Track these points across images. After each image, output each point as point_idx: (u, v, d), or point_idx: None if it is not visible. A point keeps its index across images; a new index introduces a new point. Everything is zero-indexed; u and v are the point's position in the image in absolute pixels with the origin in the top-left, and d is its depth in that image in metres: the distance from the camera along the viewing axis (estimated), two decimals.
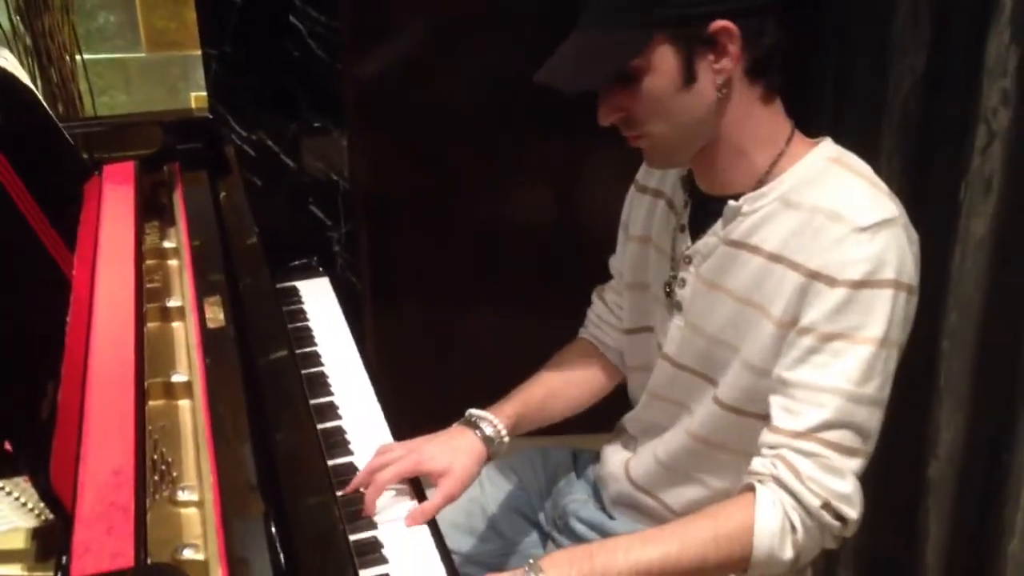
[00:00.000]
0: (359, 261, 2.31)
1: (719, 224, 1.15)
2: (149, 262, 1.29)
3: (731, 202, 1.13)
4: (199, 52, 2.12)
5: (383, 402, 1.37)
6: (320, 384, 1.38)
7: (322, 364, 1.43)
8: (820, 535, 1.07)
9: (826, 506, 1.05)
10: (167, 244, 1.34)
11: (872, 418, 1.07)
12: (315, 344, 1.49)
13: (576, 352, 1.43)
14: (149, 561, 0.77)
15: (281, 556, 0.80)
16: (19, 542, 0.85)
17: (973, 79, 1.52)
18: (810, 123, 1.16)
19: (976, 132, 1.52)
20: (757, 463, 1.08)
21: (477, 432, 1.24)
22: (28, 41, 2.13)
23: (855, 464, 1.07)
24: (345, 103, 2.18)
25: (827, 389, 1.05)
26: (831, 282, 1.04)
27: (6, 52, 1.42)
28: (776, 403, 1.08)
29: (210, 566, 0.79)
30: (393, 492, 1.18)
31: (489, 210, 2.47)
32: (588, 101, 1.11)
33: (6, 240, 1.04)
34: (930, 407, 1.68)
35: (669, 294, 1.23)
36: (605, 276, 1.43)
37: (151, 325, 1.15)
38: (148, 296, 1.19)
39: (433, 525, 1.15)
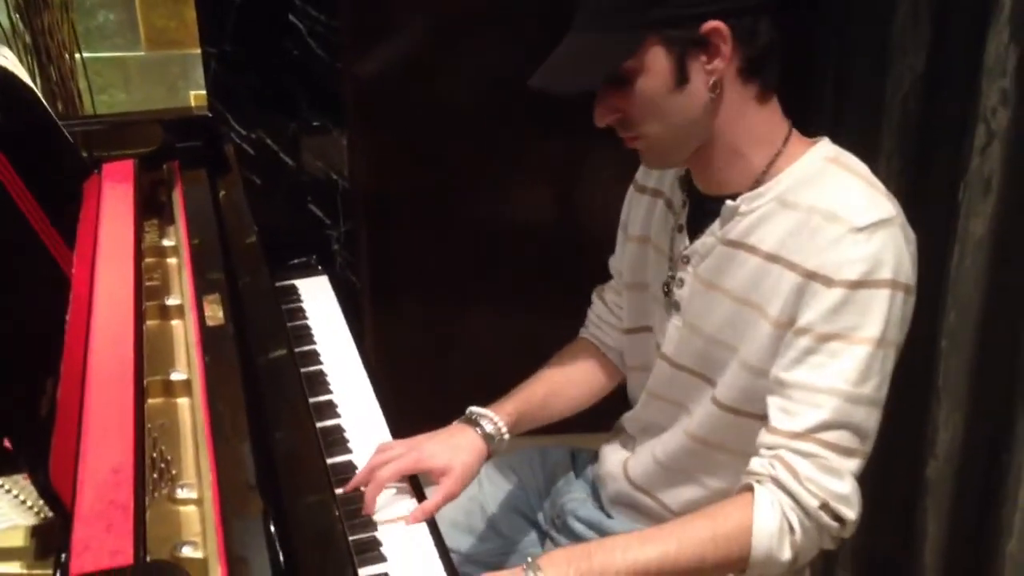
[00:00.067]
0: (358, 260, 2.31)
1: (717, 224, 1.15)
2: (148, 260, 1.29)
3: (728, 202, 1.13)
4: (199, 51, 2.12)
5: (382, 401, 1.37)
6: (319, 382, 1.38)
7: (321, 363, 1.43)
8: (818, 536, 1.07)
9: (824, 507, 1.05)
10: (166, 242, 1.34)
11: (870, 418, 1.07)
12: (314, 343, 1.49)
13: (577, 352, 1.43)
14: (148, 559, 0.77)
15: (280, 554, 0.81)
16: (18, 540, 0.85)
17: (972, 79, 1.52)
18: (810, 123, 1.17)
19: (975, 132, 1.52)
20: (755, 463, 1.08)
21: (478, 430, 1.25)
22: (27, 39, 2.12)
23: (853, 465, 1.07)
24: (344, 102, 2.18)
25: (824, 390, 1.05)
26: (828, 282, 1.05)
27: (6, 50, 1.42)
28: (774, 404, 1.08)
29: (209, 564, 0.79)
30: (392, 491, 1.18)
31: (489, 209, 2.47)
32: (588, 101, 1.12)
33: (6, 238, 1.04)
34: (929, 407, 1.68)
35: (667, 294, 1.23)
36: (605, 276, 1.44)
37: (150, 323, 1.15)
38: (147, 294, 1.19)
39: (432, 524, 1.15)
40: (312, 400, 1.31)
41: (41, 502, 0.84)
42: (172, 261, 1.31)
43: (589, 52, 1.07)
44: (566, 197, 2.52)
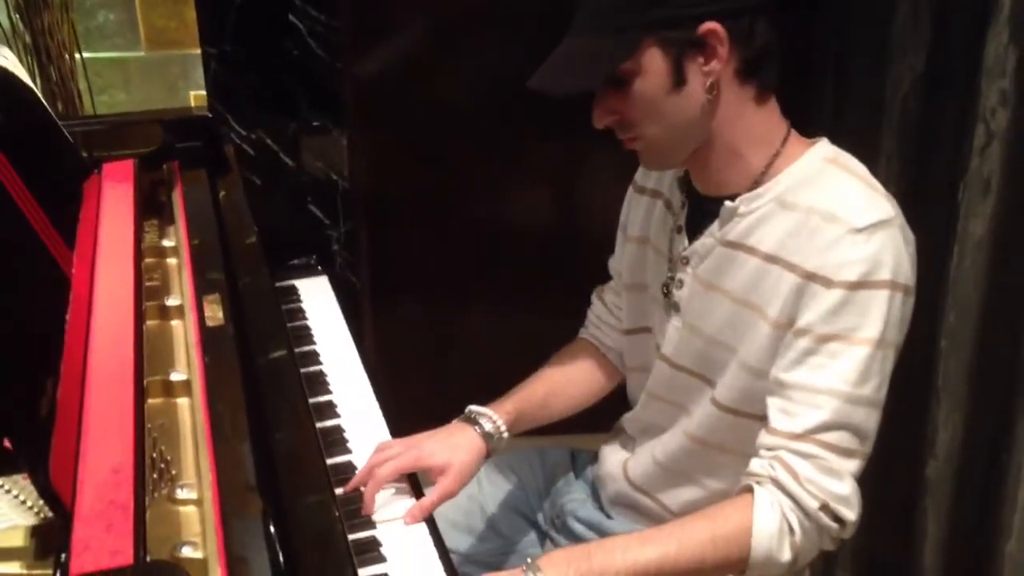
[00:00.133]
0: (358, 260, 2.31)
1: (716, 225, 1.15)
2: (148, 260, 1.29)
3: (727, 203, 1.13)
4: (199, 51, 2.12)
5: (382, 401, 1.37)
6: (319, 383, 1.38)
7: (321, 363, 1.43)
8: (818, 537, 1.07)
9: (824, 508, 1.05)
10: (166, 242, 1.34)
11: (869, 419, 1.07)
12: (314, 343, 1.49)
13: (577, 352, 1.43)
14: (148, 559, 0.77)
15: (280, 554, 0.81)
16: (18, 540, 0.85)
17: (972, 80, 1.52)
18: (810, 123, 1.17)
19: (975, 132, 1.52)
20: (755, 464, 1.08)
21: (477, 428, 1.25)
22: (27, 39, 2.12)
23: (853, 465, 1.07)
24: (344, 102, 2.18)
25: (824, 391, 1.05)
26: (827, 283, 1.05)
27: (6, 50, 1.42)
28: (773, 405, 1.09)
29: (209, 564, 0.79)
30: (392, 491, 1.18)
31: (488, 209, 2.47)
32: (587, 101, 1.12)
33: (6, 238, 1.04)
34: (928, 407, 1.68)
35: (667, 295, 1.23)
36: (604, 276, 1.44)
37: (150, 323, 1.15)
38: (147, 294, 1.19)
39: (432, 524, 1.15)
40: (312, 400, 1.32)
41: (41, 502, 0.84)
42: (172, 261, 1.31)
43: (587, 54, 1.08)
44: (566, 197, 2.52)
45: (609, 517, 1.35)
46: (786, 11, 1.11)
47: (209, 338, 1.07)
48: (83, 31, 2.22)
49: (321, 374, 1.40)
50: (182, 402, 1.02)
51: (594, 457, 1.43)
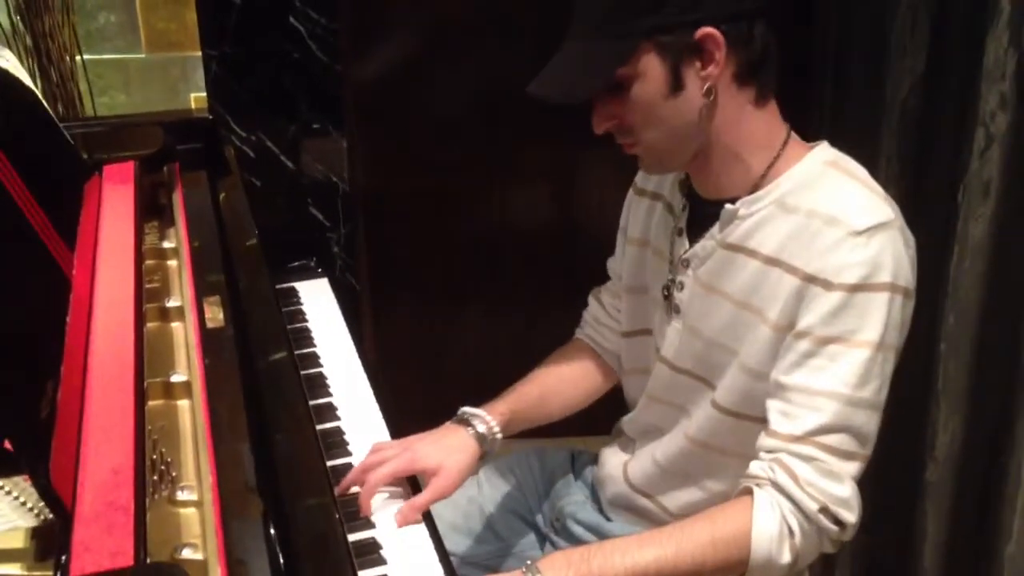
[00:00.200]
0: (358, 262, 2.31)
1: (716, 227, 1.16)
2: (149, 262, 1.29)
3: (728, 205, 1.13)
4: (199, 53, 2.12)
5: (382, 403, 1.37)
6: (319, 385, 1.38)
7: (321, 365, 1.43)
8: (818, 539, 1.07)
9: (824, 510, 1.05)
10: (167, 244, 1.34)
11: (870, 422, 1.07)
12: (314, 345, 1.49)
13: (572, 352, 1.43)
14: (148, 560, 0.77)
15: (280, 556, 0.81)
16: (18, 541, 0.85)
17: (971, 83, 1.52)
18: (810, 124, 1.17)
19: (974, 136, 1.52)
20: (755, 467, 1.08)
21: (470, 430, 1.24)
22: (28, 41, 2.12)
23: (853, 468, 1.07)
24: (344, 105, 2.18)
25: (824, 393, 1.05)
26: (827, 286, 1.05)
27: (7, 52, 1.42)
28: (773, 407, 1.09)
29: (209, 566, 0.79)
30: (392, 492, 1.18)
31: (488, 212, 2.48)
32: (585, 105, 1.12)
33: (6, 239, 1.04)
34: (928, 410, 1.68)
35: (667, 297, 1.23)
36: (602, 278, 1.44)
37: (150, 325, 1.15)
38: (148, 296, 1.19)
39: (431, 526, 1.15)
40: (312, 402, 1.31)
41: (41, 504, 0.84)
42: (172, 263, 1.31)
43: (584, 60, 1.08)
44: (565, 201, 2.52)
45: (608, 519, 1.35)
46: (782, 14, 1.11)
47: (209, 340, 1.07)
48: (84, 33, 2.22)
49: (321, 376, 1.40)
50: (182, 404, 1.02)
51: (594, 459, 1.43)
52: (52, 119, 1.43)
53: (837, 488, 1.05)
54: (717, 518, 1.08)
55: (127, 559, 0.75)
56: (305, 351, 1.47)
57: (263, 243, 1.42)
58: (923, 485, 1.72)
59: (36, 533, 0.85)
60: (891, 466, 1.63)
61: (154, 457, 0.92)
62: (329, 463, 1.20)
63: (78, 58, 2.19)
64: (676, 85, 1.07)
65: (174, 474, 0.91)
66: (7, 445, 0.80)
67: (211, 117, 1.80)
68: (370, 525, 1.13)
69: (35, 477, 0.79)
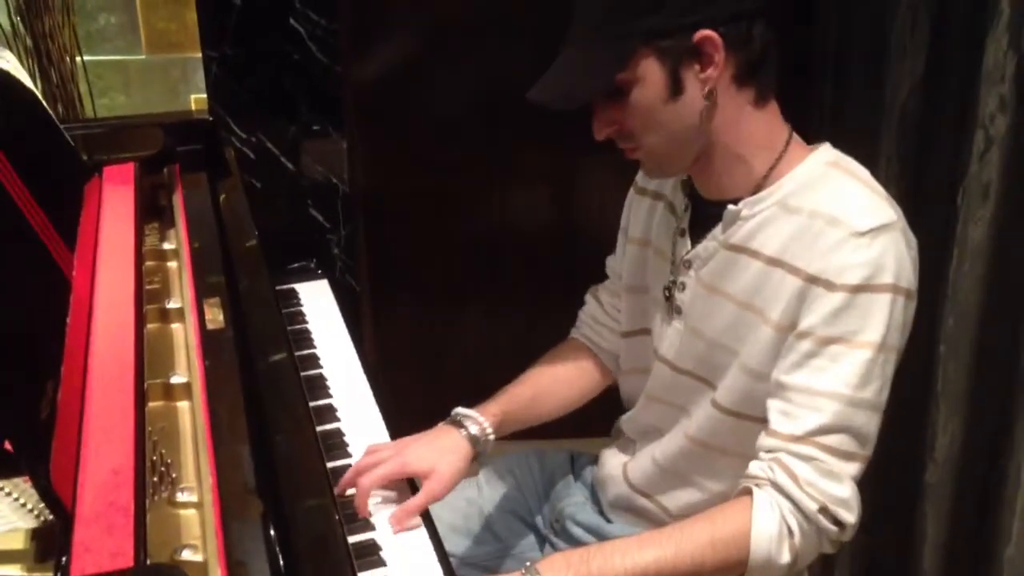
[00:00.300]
0: (358, 264, 2.31)
1: (719, 228, 1.16)
2: (149, 263, 1.29)
3: (730, 206, 1.14)
4: (199, 54, 2.12)
5: (382, 404, 1.37)
6: (319, 386, 1.38)
7: (321, 366, 1.43)
8: (817, 539, 1.07)
9: (823, 510, 1.05)
10: (167, 246, 1.34)
11: (870, 422, 1.07)
12: (314, 346, 1.49)
13: (567, 352, 1.42)
14: (148, 562, 0.77)
15: (280, 558, 0.81)
16: (19, 543, 0.85)
17: (971, 85, 1.52)
18: (809, 126, 1.17)
19: (974, 138, 1.52)
20: (754, 467, 1.09)
21: (462, 431, 1.24)
22: (28, 42, 2.12)
23: (853, 468, 1.07)
24: (345, 106, 2.18)
25: (825, 393, 1.05)
26: (829, 286, 1.05)
27: (7, 53, 1.42)
28: (774, 407, 1.09)
29: (209, 567, 0.79)
30: (392, 494, 1.18)
31: (488, 213, 2.48)
32: (585, 110, 1.12)
33: (7, 240, 1.04)
34: (927, 412, 1.68)
35: (669, 298, 1.23)
36: (602, 278, 1.43)
37: (151, 326, 1.15)
38: (148, 297, 1.19)
39: (431, 527, 1.15)
40: (312, 404, 1.32)
41: (41, 505, 0.84)
42: (172, 264, 1.31)
43: (584, 66, 1.08)
44: (564, 201, 2.52)
45: (608, 521, 1.35)
46: (781, 14, 1.11)
47: (209, 341, 1.07)
48: (84, 34, 2.22)
49: (321, 377, 1.40)
50: (182, 405, 1.02)
51: (593, 460, 1.43)
52: (52, 120, 1.44)
53: (837, 488, 1.05)
54: (716, 518, 1.08)
55: (127, 560, 0.75)
56: (305, 352, 1.47)
57: (263, 244, 1.43)
58: (923, 487, 1.72)
59: (36, 534, 0.85)
60: (891, 467, 1.63)
61: (154, 458, 0.93)
62: (329, 464, 1.20)
63: (78, 59, 2.19)
64: (676, 89, 1.07)
65: (174, 475, 0.91)
66: (7, 446, 0.80)
67: (211, 118, 1.80)
68: (370, 526, 1.13)
69: (35, 478, 0.79)
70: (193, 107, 2.34)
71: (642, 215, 1.30)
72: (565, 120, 1.12)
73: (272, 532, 0.82)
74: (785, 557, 1.05)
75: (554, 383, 1.38)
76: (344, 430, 1.29)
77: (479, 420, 1.26)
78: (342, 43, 2.13)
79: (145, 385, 1.00)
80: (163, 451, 0.94)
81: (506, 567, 1.39)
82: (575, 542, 1.34)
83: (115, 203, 1.36)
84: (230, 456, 0.89)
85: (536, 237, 2.51)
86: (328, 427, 1.29)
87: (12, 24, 2.12)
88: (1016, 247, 1.53)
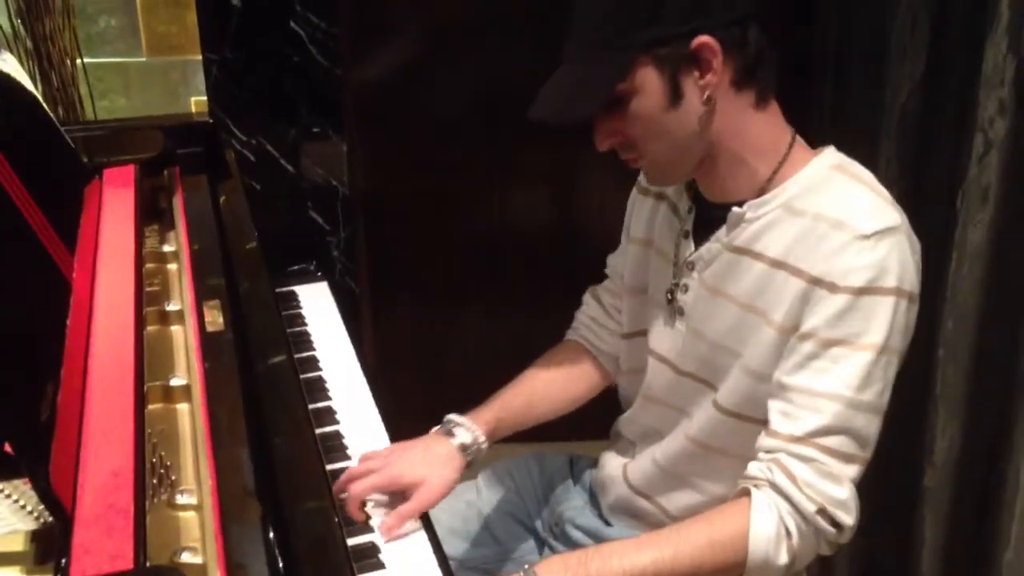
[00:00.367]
0: (358, 266, 2.31)
1: (723, 230, 1.16)
2: (149, 266, 1.29)
3: (735, 208, 1.14)
4: (199, 57, 2.12)
5: (381, 407, 1.37)
6: (318, 389, 1.38)
7: (320, 369, 1.43)
8: (815, 541, 1.07)
9: (822, 512, 1.05)
10: (167, 248, 1.34)
11: (870, 425, 1.07)
12: (313, 349, 1.49)
13: (563, 354, 1.42)
14: (148, 564, 0.77)
15: (279, 560, 0.81)
16: (18, 544, 0.85)
17: (970, 88, 1.52)
18: (809, 128, 1.17)
19: (973, 141, 1.53)
20: (753, 467, 1.09)
21: (454, 439, 1.24)
22: (29, 44, 2.13)
23: (852, 470, 1.07)
24: (345, 108, 2.18)
25: (826, 395, 1.05)
26: (833, 288, 1.05)
27: (7, 55, 1.43)
28: (775, 407, 1.09)
29: (208, 570, 0.79)
30: (391, 497, 1.18)
31: (488, 215, 2.48)
32: (586, 122, 1.12)
33: (7, 242, 1.04)
34: (926, 415, 1.68)
35: (671, 300, 1.23)
36: (603, 278, 1.43)
37: (150, 328, 1.15)
38: (148, 299, 1.19)
39: (430, 530, 1.15)
40: (311, 406, 1.32)
41: (41, 507, 0.84)
42: (172, 267, 1.31)
43: (583, 79, 1.08)
44: (564, 202, 2.52)
45: (608, 524, 1.35)
46: (775, 15, 1.11)
47: (209, 343, 1.07)
48: (84, 36, 2.23)
49: (320, 380, 1.40)
50: (182, 407, 1.03)
51: (593, 463, 1.43)
52: (53, 122, 1.44)
53: (835, 490, 1.05)
54: (715, 520, 1.08)
55: (127, 562, 0.75)
56: (304, 355, 1.47)
57: (263, 247, 1.43)
58: (921, 490, 1.72)
59: (36, 536, 0.85)
60: (889, 471, 1.63)
61: (154, 460, 0.93)
62: (328, 467, 1.20)
63: (78, 61, 2.19)
64: (675, 96, 1.07)
65: (173, 477, 0.91)
66: (7, 448, 0.80)
67: (211, 121, 1.80)
68: (369, 529, 1.13)
69: (35, 480, 0.79)
70: (193, 109, 2.34)
71: (644, 215, 1.30)
72: None
73: (271, 534, 0.82)
74: (783, 558, 1.05)
75: (549, 386, 1.38)
76: (343, 432, 1.29)
77: (471, 428, 1.26)
78: (342, 46, 2.13)
79: (145, 387, 1.00)
80: (163, 453, 0.94)
81: (505, 570, 1.39)
82: (574, 545, 1.34)
83: (115, 205, 1.36)
84: (230, 458, 0.89)
85: (536, 238, 2.51)
86: (327, 429, 1.30)
87: (13, 26, 2.12)
88: (1015, 250, 1.53)
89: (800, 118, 1.17)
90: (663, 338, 1.25)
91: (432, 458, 1.21)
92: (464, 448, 1.24)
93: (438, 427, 1.27)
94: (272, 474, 0.99)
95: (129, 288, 1.15)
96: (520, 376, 1.38)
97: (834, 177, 1.11)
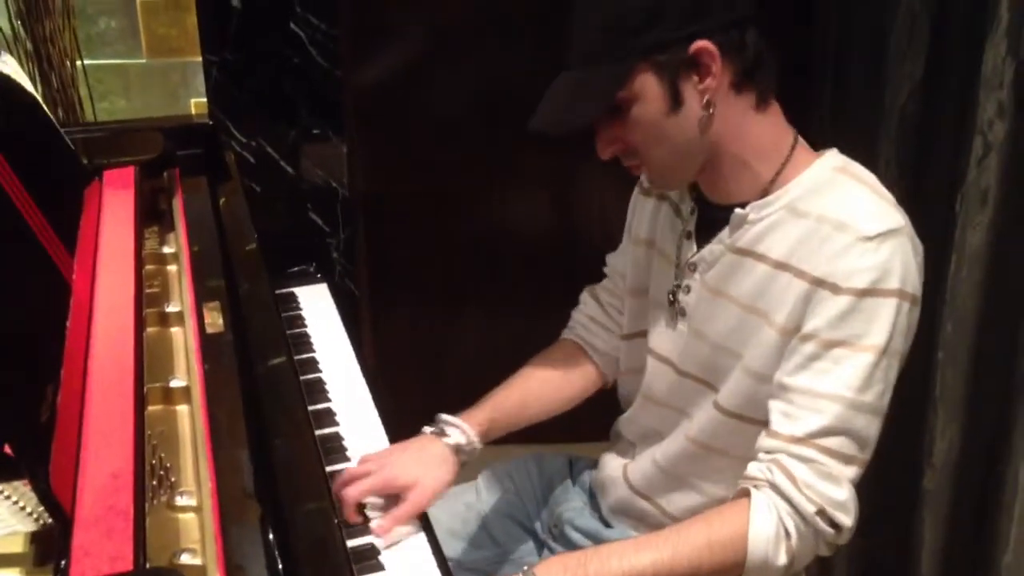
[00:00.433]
0: (357, 268, 2.31)
1: (726, 232, 1.16)
2: (149, 267, 1.29)
3: (738, 210, 1.14)
4: (199, 58, 2.12)
5: (380, 408, 1.37)
6: (318, 390, 1.38)
7: (320, 370, 1.44)
8: (814, 542, 1.07)
9: (821, 513, 1.05)
10: (166, 249, 1.34)
11: (871, 426, 1.07)
12: (313, 350, 1.49)
13: (559, 354, 1.41)
14: (148, 565, 0.77)
15: (279, 562, 0.81)
16: (18, 546, 0.85)
17: (969, 91, 1.52)
18: (808, 130, 1.17)
19: (972, 144, 1.53)
20: (753, 468, 1.09)
21: (447, 440, 1.24)
22: (29, 46, 2.13)
23: (852, 472, 1.07)
24: (344, 110, 2.18)
25: (827, 395, 1.06)
26: (836, 289, 1.05)
27: (7, 57, 1.43)
28: (775, 408, 1.09)
29: (208, 571, 0.79)
30: (389, 499, 1.18)
31: (487, 217, 2.48)
32: (588, 131, 1.12)
33: (7, 244, 1.04)
34: (925, 417, 1.68)
35: (673, 302, 1.23)
36: (603, 280, 1.43)
37: (150, 330, 1.15)
38: (147, 301, 1.19)
39: (430, 531, 1.15)
40: (311, 408, 1.32)
41: (41, 509, 0.84)
42: (172, 268, 1.31)
43: (582, 88, 1.09)
44: (564, 204, 2.52)
45: (607, 526, 1.35)
46: (772, 17, 1.11)
47: (209, 345, 1.07)
48: (84, 38, 2.23)
49: (320, 381, 1.40)
50: (182, 409, 1.03)
51: (592, 464, 1.43)
52: (52, 124, 1.44)
53: (835, 491, 1.06)
54: (713, 521, 1.08)
55: (126, 564, 0.75)
56: (304, 356, 1.47)
57: (263, 248, 1.43)
58: (921, 492, 1.72)
59: (35, 538, 0.85)
60: (889, 473, 1.63)
61: (153, 462, 0.93)
62: (328, 468, 1.20)
63: (78, 63, 2.20)
64: (675, 102, 1.07)
65: (173, 479, 0.91)
66: (7, 450, 0.80)
67: (211, 122, 1.81)
68: (369, 531, 1.13)
69: (35, 482, 0.79)
70: (193, 111, 2.35)
71: (647, 215, 1.30)
72: None
73: (271, 536, 0.82)
74: (782, 559, 1.05)
75: (543, 387, 1.38)
76: (343, 434, 1.30)
77: (464, 429, 1.25)
78: (342, 47, 2.13)
79: (145, 389, 1.00)
80: (162, 455, 0.94)
81: (504, 572, 1.39)
82: (573, 547, 1.34)
83: (115, 207, 1.37)
84: (229, 460, 0.89)
85: (536, 239, 2.51)
86: (327, 431, 1.30)
87: (13, 28, 2.13)
88: (1014, 253, 1.54)
89: (800, 119, 1.18)
90: (664, 339, 1.25)
91: (426, 459, 1.21)
92: (456, 449, 1.24)
93: (431, 428, 1.27)
94: (272, 476, 0.99)
95: (129, 290, 1.15)
96: (514, 376, 1.37)
97: (837, 179, 1.11)
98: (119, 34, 2.29)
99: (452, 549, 1.37)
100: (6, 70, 1.36)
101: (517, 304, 2.51)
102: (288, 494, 1.01)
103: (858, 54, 1.78)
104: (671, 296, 1.24)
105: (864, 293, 1.04)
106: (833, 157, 1.14)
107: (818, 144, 1.17)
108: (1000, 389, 1.56)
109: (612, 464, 1.35)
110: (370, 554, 1.09)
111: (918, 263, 1.09)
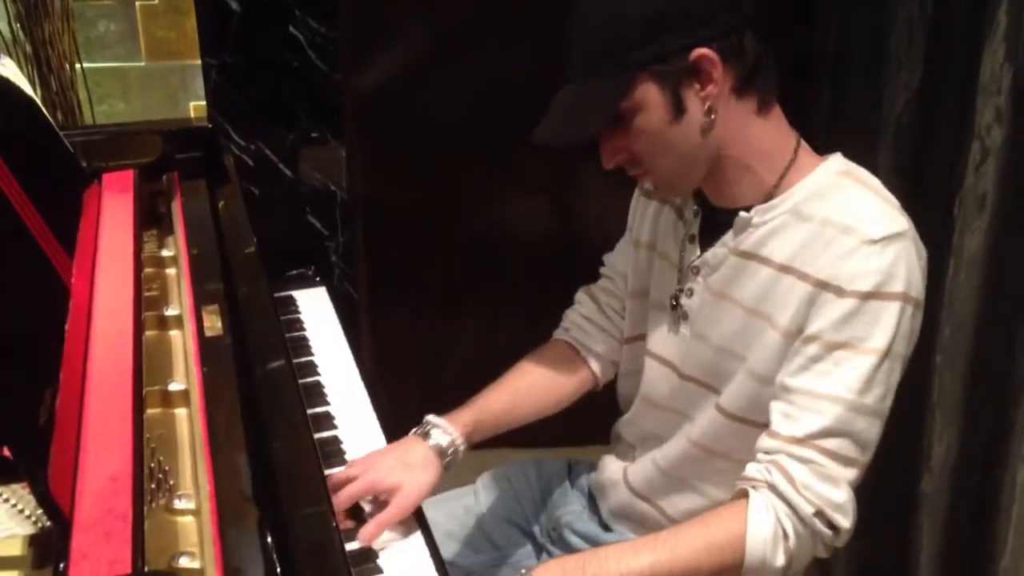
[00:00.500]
0: (356, 271, 2.31)
1: (729, 235, 1.16)
2: (147, 270, 1.29)
3: (742, 213, 1.14)
4: (199, 62, 2.12)
5: (379, 412, 1.37)
6: (317, 394, 1.38)
7: (319, 374, 1.44)
8: (812, 543, 1.08)
9: (819, 514, 1.05)
10: (165, 253, 1.34)
11: (871, 429, 1.08)
12: (312, 354, 1.49)
13: (550, 355, 1.40)
14: (146, 568, 0.77)
15: (277, 565, 0.81)
16: (16, 549, 0.85)
17: (967, 96, 1.53)
18: (806, 136, 1.18)
19: (970, 149, 1.53)
20: (752, 468, 1.09)
21: (431, 442, 1.24)
22: (28, 49, 2.13)
23: (851, 474, 1.08)
24: (343, 113, 2.18)
25: (827, 397, 1.06)
26: (839, 292, 1.05)
27: (7, 59, 1.43)
28: (776, 409, 1.09)
29: (206, 574, 0.79)
30: (380, 502, 1.19)
31: (486, 220, 2.48)
32: (592, 142, 1.12)
33: (5, 247, 1.04)
34: (923, 421, 1.68)
35: (675, 305, 1.23)
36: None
37: (149, 333, 1.15)
38: (146, 304, 1.19)
39: (428, 535, 1.15)
40: (309, 411, 1.32)
41: (39, 511, 0.84)
42: (171, 271, 1.31)
43: (585, 100, 1.09)
44: (563, 207, 2.53)
45: (606, 529, 1.35)
46: (783, 15, 1.12)
47: (207, 348, 1.07)
48: (84, 41, 2.23)
49: (319, 385, 1.41)
50: (180, 412, 1.02)
51: (591, 468, 1.43)
52: (52, 127, 1.44)
53: (833, 493, 1.06)
54: (711, 522, 1.08)
55: (125, 567, 0.75)
56: (303, 360, 1.47)
57: (261, 251, 1.43)
58: (918, 496, 1.72)
59: (34, 541, 0.85)
60: (887, 476, 1.63)
61: (152, 465, 0.93)
62: (327, 472, 1.20)
63: (78, 66, 2.20)
64: (678, 110, 1.08)
65: (172, 482, 0.91)
66: (6, 452, 0.80)
67: (210, 126, 1.80)
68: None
69: (33, 484, 0.79)
70: (192, 114, 2.35)
71: (648, 218, 1.30)
72: None
73: (269, 539, 0.82)
74: (780, 560, 1.06)
75: (533, 388, 1.37)
76: (342, 437, 1.30)
77: (449, 430, 1.25)
78: (341, 51, 2.13)
79: (143, 392, 1.00)
80: (161, 458, 0.94)
81: (503, 575, 1.39)
82: (572, 551, 1.34)
83: (114, 210, 1.37)
84: (228, 463, 0.89)
85: (535, 241, 2.51)
86: (326, 434, 1.30)
87: (12, 31, 2.13)
88: (1012, 257, 1.54)
89: (800, 120, 1.18)
90: (666, 342, 1.25)
91: (409, 464, 1.21)
92: (440, 452, 1.23)
93: (416, 428, 1.27)
94: (270, 479, 0.99)
95: (128, 293, 1.15)
96: (504, 376, 1.36)
97: (842, 183, 1.12)
98: (118, 37, 2.29)
99: (450, 552, 1.37)
100: (5, 73, 1.36)
101: (516, 306, 2.51)
102: (287, 497, 1.01)
103: (858, 54, 1.78)
104: (674, 300, 1.24)
105: (868, 296, 1.05)
106: (837, 161, 1.15)
107: (818, 145, 1.17)
108: (998, 393, 1.57)
109: (612, 467, 1.35)
110: (368, 558, 1.09)
111: (922, 267, 1.09)
